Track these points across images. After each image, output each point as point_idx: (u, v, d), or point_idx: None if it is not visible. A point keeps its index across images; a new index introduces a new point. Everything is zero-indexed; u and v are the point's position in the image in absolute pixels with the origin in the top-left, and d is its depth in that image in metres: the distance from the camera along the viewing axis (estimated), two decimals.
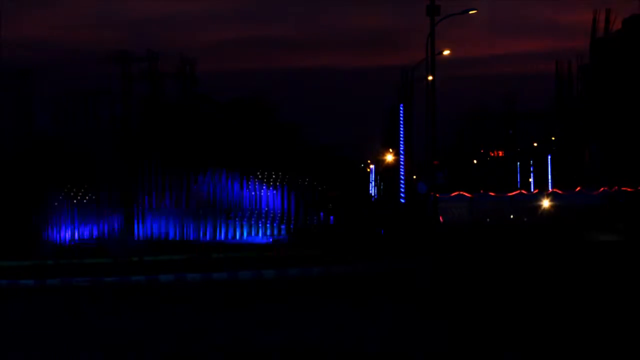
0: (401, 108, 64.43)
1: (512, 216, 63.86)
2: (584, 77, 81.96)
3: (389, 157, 77.39)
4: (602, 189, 67.11)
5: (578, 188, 68.54)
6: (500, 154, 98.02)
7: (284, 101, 73.09)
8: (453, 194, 65.77)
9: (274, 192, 59.58)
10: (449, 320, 20.29)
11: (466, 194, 65.60)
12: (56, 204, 56.37)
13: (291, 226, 57.83)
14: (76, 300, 27.51)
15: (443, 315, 21.23)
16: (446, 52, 56.95)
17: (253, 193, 59.32)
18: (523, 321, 19.96)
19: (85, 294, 29.82)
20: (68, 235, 56.25)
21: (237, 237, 57.17)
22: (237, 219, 57.56)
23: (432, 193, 59.18)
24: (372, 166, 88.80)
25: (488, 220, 62.92)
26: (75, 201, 56.97)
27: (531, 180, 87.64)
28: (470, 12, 55.29)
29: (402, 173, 63.32)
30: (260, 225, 57.77)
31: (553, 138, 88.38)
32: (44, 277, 34.29)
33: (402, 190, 62.88)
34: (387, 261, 36.90)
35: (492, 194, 66.86)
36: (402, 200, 62.65)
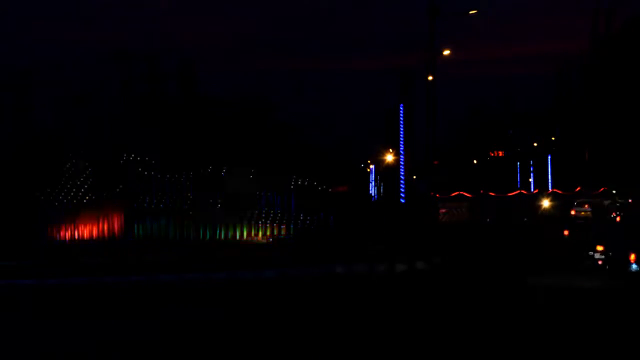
0: (401, 108, 64.25)
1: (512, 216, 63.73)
2: (584, 77, 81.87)
3: (389, 157, 77.28)
4: (602, 189, 67.02)
5: (578, 188, 68.45)
6: (501, 154, 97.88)
7: (284, 101, 73.05)
8: (453, 194, 65.70)
9: (274, 192, 59.46)
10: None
11: (466, 194, 65.50)
12: (56, 203, 56.31)
13: (291, 226, 57.70)
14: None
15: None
16: (446, 53, 56.87)
17: (253, 193, 59.17)
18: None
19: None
20: (68, 235, 56.13)
21: (237, 237, 57.02)
22: (237, 219, 57.40)
23: (432, 193, 59.10)
24: (372, 166, 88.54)
25: (488, 220, 62.82)
26: (75, 201, 56.92)
27: (531, 180, 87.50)
28: (470, 13, 55.32)
29: (402, 173, 63.18)
30: (260, 225, 57.63)
31: (553, 138, 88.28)
32: (42, 277, 34.20)
33: (402, 190, 62.75)
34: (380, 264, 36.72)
35: (492, 194, 66.73)
36: (402, 200, 62.54)
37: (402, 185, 62.91)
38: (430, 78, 53.58)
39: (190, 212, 57.32)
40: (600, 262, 30.86)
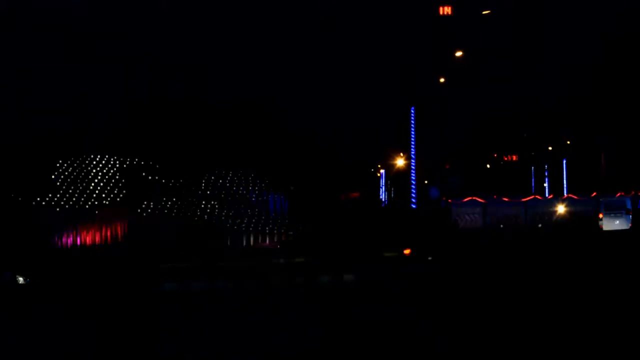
0: (412, 111, 62.89)
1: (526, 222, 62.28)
2: (599, 79, 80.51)
3: (400, 162, 75.85)
4: (618, 193, 65.44)
5: (594, 193, 66.82)
6: (514, 158, 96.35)
7: (291, 103, 71.86)
8: (466, 199, 64.20)
9: (282, 197, 58.47)
10: None
11: (479, 199, 63.98)
12: (58, 209, 55.26)
13: (299, 232, 56.60)
14: None
15: None
16: (458, 54, 55.76)
17: (260, 198, 58.21)
18: None
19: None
20: (70, 240, 55.17)
21: (244, 243, 55.96)
22: (243, 225, 56.36)
23: (444, 198, 57.83)
24: (382, 171, 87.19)
25: (502, 226, 61.32)
26: (77, 206, 55.88)
27: (546, 185, 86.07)
28: (484, 13, 54.20)
29: (413, 178, 61.86)
30: (267, 231, 56.55)
31: (568, 142, 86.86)
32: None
33: (414, 195, 61.47)
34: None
35: (506, 199, 65.19)
36: (413, 206, 61.24)
37: (413, 191, 61.60)
38: (441, 80, 52.33)
39: (196, 219, 56.33)
40: None
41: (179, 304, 28.37)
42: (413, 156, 62.47)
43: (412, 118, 62.71)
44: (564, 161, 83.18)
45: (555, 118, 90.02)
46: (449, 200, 60.80)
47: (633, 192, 64.77)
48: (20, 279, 34.41)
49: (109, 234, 55.93)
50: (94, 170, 58.44)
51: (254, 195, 57.85)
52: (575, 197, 66.20)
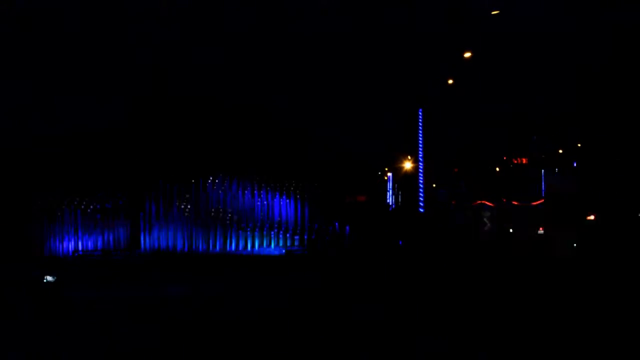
0: (420, 113, 61.98)
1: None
2: (609, 78, 79.58)
3: (408, 165, 74.88)
4: None
5: None
6: (524, 160, 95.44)
7: (295, 104, 71.05)
8: (475, 203, 63.38)
9: (287, 201, 57.55)
10: None
11: (488, 203, 63.10)
12: (58, 213, 54.40)
13: (305, 237, 55.67)
14: None
15: None
16: (467, 55, 54.96)
17: (265, 202, 57.29)
18: None
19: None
20: (71, 246, 54.33)
21: (249, 248, 55.07)
22: (248, 230, 55.43)
23: (453, 202, 57.09)
24: (389, 174, 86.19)
25: (511, 230, 60.55)
26: (78, 210, 54.99)
27: None
28: (493, 13, 53.50)
29: (421, 181, 60.96)
30: (272, 235, 55.62)
31: (579, 145, 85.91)
32: None
33: (422, 199, 60.58)
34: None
35: (516, 203, 64.34)
36: (421, 210, 60.33)
37: (421, 194, 60.73)
38: (450, 82, 51.47)
39: (199, 222, 55.49)
40: None
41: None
42: (421, 159, 61.56)
43: (420, 120, 61.81)
44: (574, 164, 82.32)
45: (565, 120, 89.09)
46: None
47: None
48: (49, 278, 35.32)
49: (111, 238, 55.17)
50: (96, 173, 57.65)
51: (258, 199, 56.92)
52: None
